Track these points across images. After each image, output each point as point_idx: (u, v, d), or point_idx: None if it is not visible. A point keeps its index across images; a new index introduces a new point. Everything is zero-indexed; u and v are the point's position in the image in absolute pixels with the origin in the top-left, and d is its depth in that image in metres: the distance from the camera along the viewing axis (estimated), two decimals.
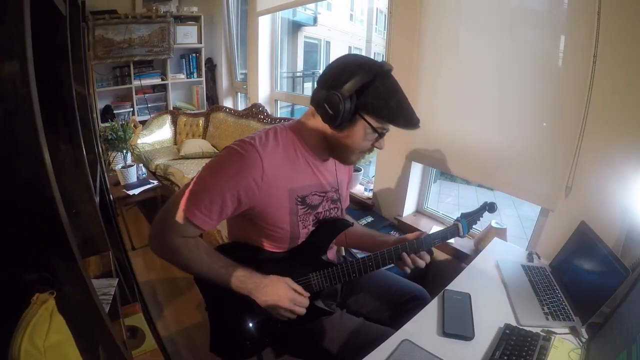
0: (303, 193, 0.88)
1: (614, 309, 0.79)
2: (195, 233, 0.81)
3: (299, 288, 0.86)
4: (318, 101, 0.78)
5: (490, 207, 1.01)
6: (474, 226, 1.03)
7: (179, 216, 0.77)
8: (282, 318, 0.85)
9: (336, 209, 0.98)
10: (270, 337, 0.95)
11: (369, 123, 0.78)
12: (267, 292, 0.83)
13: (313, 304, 0.89)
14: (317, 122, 0.82)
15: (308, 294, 0.87)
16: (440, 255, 1.62)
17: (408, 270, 0.93)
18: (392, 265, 0.94)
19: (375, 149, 0.85)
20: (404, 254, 0.91)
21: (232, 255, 0.86)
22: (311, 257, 0.93)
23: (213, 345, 0.96)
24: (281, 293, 0.83)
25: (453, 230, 0.99)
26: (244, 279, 0.83)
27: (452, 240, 1.56)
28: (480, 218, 1.03)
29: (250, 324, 0.91)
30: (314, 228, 0.92)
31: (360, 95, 0.75)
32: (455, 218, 1.02)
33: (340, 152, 0.85)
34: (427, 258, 0.94)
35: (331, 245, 1.01)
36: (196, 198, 0.77)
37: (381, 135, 0.81)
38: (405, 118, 0.77)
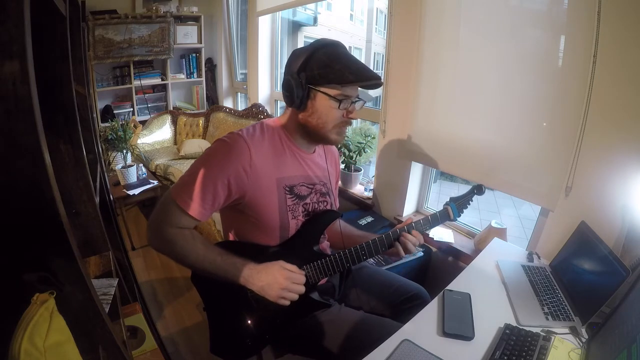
0: (291, 183, 0.90)
1: (614, 309, 0.79)
2: (190, 224, 0.82)
3: (294, 267, 0.86)
4: None
5: (478, 190, 1.00)
6: (464, 210, 1.02)
7: (174, 207, 0.79)
8: (279, 301, 0.83)
9: (325, 203, 0.98)
10: (270, 334, 0.94)
11: (324, 93, 0.81)
12: (262, 277, 0.83)
13: (309, 296, 0.89)
14: (291, 112, 0.88)
15: (303, 272, 0.87)
16: (440, 255, 1.62)
17: (402, 253, 0.93)
18: (391, 262, 0.94)
19: (350, 120, 0.87)
20: (396, 242, 0.92)
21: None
22: (303, 249, 0.93)
23: (213, 346, 0.97)
24: (276, 273, 0.83)
25: (443, 214, 0.98)
26: (239, 266, 0.83)
27: (452, 240, 1.56)
28: (470, 202, 1.02)
29: (249, 322, 0.91)
30: (304, 220, 0.93)
31: (305, 71, 0.81)
32: (444, 203, 1.02)
33: (316, 133, 0.87)
34: (420, 238, 0.94)
35: (323, 237, 1.02)
36: (189, 188, 0.79)
37: (343, 102, 0.83)
38: (354, 74, 0.80)
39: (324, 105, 0.83)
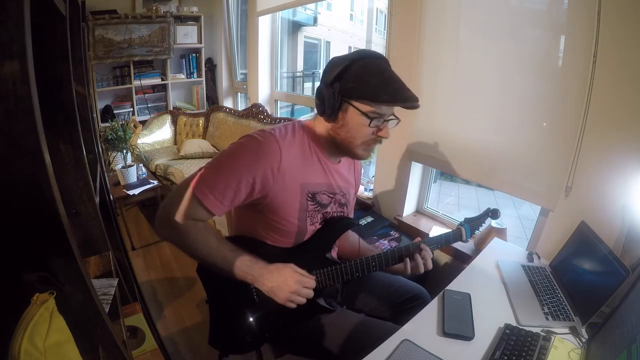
0: (314, 190, 0.88)
1: (614, 309, 0.79)
2: (205, 217, 0.80)
3: (304, 272, 0.85)
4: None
5: (493, 214, 1.01)
6: (476, 232, 1.03)
7: (191, 198, 0.77)
8: (287, 304, 0.82)
9: (342, 213, 0.98)
10: (270, 333, 0.94)
11: (356, 108, 0.78)
12: (272, 278, 0.82)
13: (315, 301, 0.89)
14: (322, 121, 0.85)
15: (314, 277, 0.86)
16: (440, 255, 1.62)
17: (408, 271, 0.92)
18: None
19: (380, 138, 0.83)
20: (407, 258, 0.91)
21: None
22: (316, 254, 0.93)
23: (212, 339, 0.96)
24: (287, 276, 0.82)
25: (456, 234, 0.99)
26: (250, 264, 0.82)
27: None
28: (483, 224, 1.03)
29: (251, 318, 0.91)
30: (320, 226, 0.93)
31: (340, 82, 0.77)
32: (458, 222, 1.02)
33: (344, 146, 0.85)
34: (429, 261, 0.93)
35: (335, 244, 1.02)
36: (211, 181, 0.77)
37: (374, 120, 0.79)
38: (390, 94, 0.75)
39: (354, 120, 0.79)
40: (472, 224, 1.01)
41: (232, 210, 1.00)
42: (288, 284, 0.81)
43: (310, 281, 0.84)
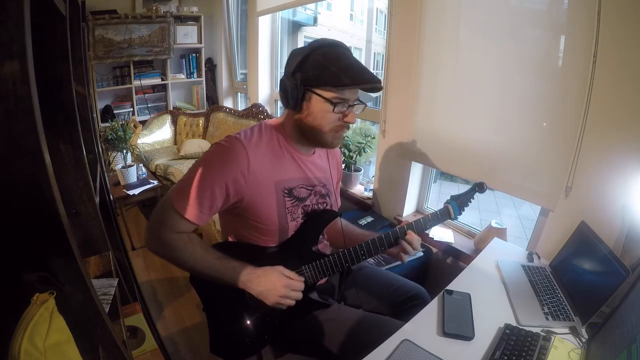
0: (290, 185, 0.89)
1: (614, 309, 0.79)
2: (189, 228, 0.82)
3: (293, 274, 0.86)
4: None
5: (479, 187, 0.98)
6: (465, 208, 1.00)
7: (172, 212, 0.79)
8: (278, 306, 0.84)
9: (325, 204, 0.98)
10: (269, 334, 0.95)
11: (319, 95, 0.79)
12: (261, 283, 0.83)
13: (308, 296, 0.89)
14: (289, 113, 0.87)
15: (302, 279, 0.87)
16: (440, 255, 1.62)
17: (404, 259, 0.92)
18: (391, 262, 0.94)
19: (347, 124, 0.84)
20: (396, 240, 0.91)
21: (225, 253, 0.86)
22: (302, 249, 0.93)
23: (213, 346, 0.97)
24: (275, 280, 0.83)
25: (444, 213, 0.97)
26: (238, 270, 0.83)
27: (452, 240, 1.56)
28: (471, 200, 1.00)
29: (248, 322, 0.92)
30: (302, 221, 0.93)
31: (302, 71, 0.78)
32: (445, 201, 1.00)
33: (312, 135, 0.85)
34: (418, 240, 0.92)
35: (322, 237, 1.02)
36: (187, 193, 0.79)
37: (338, 106, 0.80)
38: (351, 77, 0.76)
39: (318, 107, 0.80)
40: (459, 200, 0.98)
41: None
42: (276, 287, 0.82)
43: (299, 283, 0.85)
